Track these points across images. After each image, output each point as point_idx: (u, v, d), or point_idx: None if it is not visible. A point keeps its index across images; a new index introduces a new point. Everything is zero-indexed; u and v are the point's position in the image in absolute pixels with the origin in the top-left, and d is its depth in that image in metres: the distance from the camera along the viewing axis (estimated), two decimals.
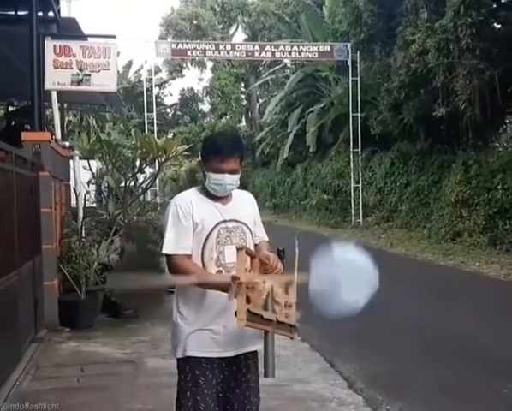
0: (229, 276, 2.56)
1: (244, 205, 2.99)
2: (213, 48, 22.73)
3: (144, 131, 18.42)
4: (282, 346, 5.63)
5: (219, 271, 2.80)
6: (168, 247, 2.82)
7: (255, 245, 3.02)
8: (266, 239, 3.12)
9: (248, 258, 2.70)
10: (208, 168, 2.85)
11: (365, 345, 6.55)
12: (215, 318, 2.78)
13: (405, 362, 5.95)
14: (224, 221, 2.86)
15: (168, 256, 2.83)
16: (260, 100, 42.69)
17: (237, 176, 2.89)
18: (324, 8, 26.68)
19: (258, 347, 2.84)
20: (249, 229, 2.94)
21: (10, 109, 14.79)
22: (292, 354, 5.99)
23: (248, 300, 2.51)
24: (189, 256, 2.81)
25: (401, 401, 4.94)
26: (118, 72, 27.29)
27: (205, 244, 2.83)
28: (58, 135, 8.97)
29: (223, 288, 2.60)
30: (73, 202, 9.10)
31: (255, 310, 2.51)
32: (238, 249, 2.58)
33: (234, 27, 43.76)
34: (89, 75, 8.16)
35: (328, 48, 22.20)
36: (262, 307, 2.61)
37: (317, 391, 5.11)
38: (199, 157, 2.97)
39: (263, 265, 2.75)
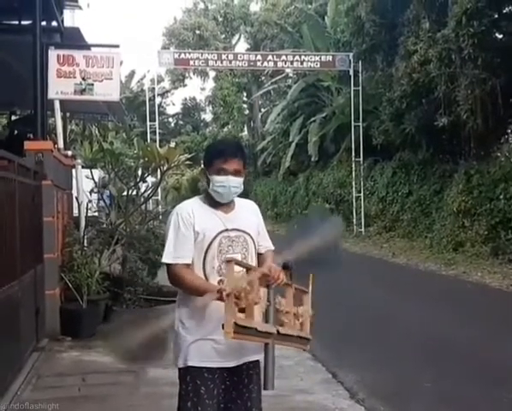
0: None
1: (247, 215, 2.97)
2: (216, 58, 22.82)
3: (146, 140, 18.48)
4: (284, 356, 5.62)
5: (221, 280, 2.79)
6: (167, 257, 2.83)
7: (260, 254, 3.01)
8: (272, 248, 3.09)
9: (243, 269, 2.69)
10: (211, 171, 2.84)
11: (367, 355, 6.53)
12: (217, 327, 2.73)
13: (407, 372, 5.92)
14: (226, 230, 2.85)
15: (167, 265, 2.84)
16: (262, 109, 42.83)
17: (241, 179, 2.89)
18: (326, 18, 26.81)
19: (260, 356, 2.83)
20: (252, 238, 2.93)
21: (13, 118, 14.81)
22: (294, 364, 5.97)
23: (242, 310, 2.51)
24: (188, 265, 2.81)
25: None
26: (121, 81, 27.37)
27: (206, 253, 2.82)
28: (61, 144, 8.98)
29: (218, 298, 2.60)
30: (75, 211, 9.10)
31: (245, 323, 2.48)
32: (227, 261, 2.55)
33: (236, 37, 43.97)
34: (92, 85, 8.20)
35: (330, 58, 22.26)
36: (263, 320, 2.60)
37: (319, 402, 5.09)
38: (202, 165, 2.95)
39: (265, 276, 2.74)
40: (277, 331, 2.67)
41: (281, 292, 2.83)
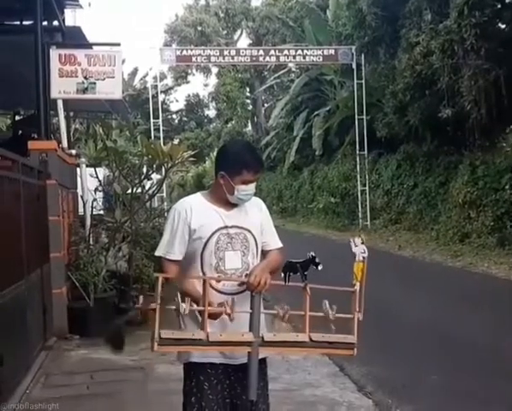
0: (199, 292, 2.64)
1: (249, 211, 2.95)
2: (218, 54, 22.78)
3: (150, 137, 18.49)
4: None
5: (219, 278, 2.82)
6: (159, 250, 2.90)
7: (267, 252, 3.00)
8: (279, 245, 3.06)
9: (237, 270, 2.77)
10: (237, 181, 2.83)
11: (374, 348, 6.51)
12: (219, 325, 2.73)
13: (415, 365, 5.92)
14: (225, 227, 2.85)
15: (159, 259, 2.90)
16: (266, 105, 42.85)
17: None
18: (327, 11, 26.76)
19: (265, 355, 2.85)
20: (253, 235, 2.91)
21: (17, 118, 14.81)
22: (301, 358, 5.98)
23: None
24: (177, 262, 2.85)
25: (411, 404, 4.92)
26: (123, 79, 27.38)
27: (204, 250, 2.83)
28: (65, 143, 9.00)
29: (195, 300, 2.62)
30: (80, 210, 9.13)
31: (170, 335, 2.50)
32: (157, 276, 2.56)
33: (238, 33, 43.97)
34: (94, 83, 8.20)
35: (332, 51, 22.20)
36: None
37: (326, 395, 5.10)
38: (222, 171, 2.87)
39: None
40: (262, 339, 2.64)
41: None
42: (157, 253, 2.91)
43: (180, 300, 2.53)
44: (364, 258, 2.79)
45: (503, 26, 15.42)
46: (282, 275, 2.99)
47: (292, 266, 2.95)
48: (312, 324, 2.72)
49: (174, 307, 2.55)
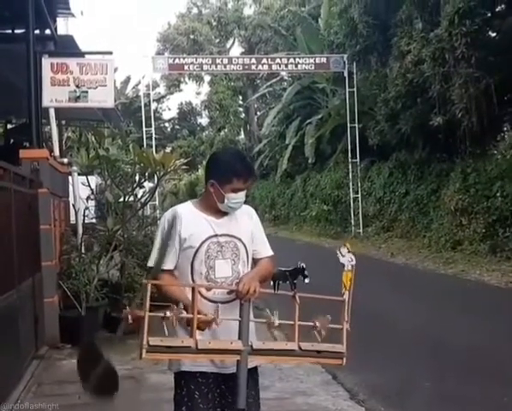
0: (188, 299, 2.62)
1: (240, 219, 2.94)
2: (210, 62, 22.85)
3: (142, 146, 18.46)
4: None
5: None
6: (150, 261, 2.88)
7: (257, 260, 2.98)
8: (270, 254, 3.05)
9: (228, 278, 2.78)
10: (227, 189, 2.82)
11: (366, 356, 6.51)
12: (209, 333, 2.72)
13: (407, 373, 5.92)
14: (215, 235, 2.84)
15: (150, 269, 2.89)
16: (258, 113, 42.92)
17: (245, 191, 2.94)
18: (319, 20, 26.86)
19: (256, 363, 2.84)
20: (243, 243, 2.90)
21: (9, 126, 14.80)
22: (294, 366, 5.97)
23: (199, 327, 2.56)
24: (169, 271, 2.84)
25: None
26: (116, 88, 27.35)
27: (194, 259, 2.83)
28: (57, 152, 8.98)
29: (185, 308, 2.60)
30: (72, 218, 9.10)
31: (159, 343, 2.49)
32: (145, 284, 2.53)
33: (230, 41, 44.06)
34: (86, 92, 8.20)
35: (324, 60, 22.30)
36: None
37: (319, 403, 5.09)
38: (212, 179, 2.87)
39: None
40: (252, 347, 2.63)
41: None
42: (149, 264, 2.89)
43: (177, 307, 2.52)
44: (352, 266, 2.79)
45: (494, 35, 15.54)
46: (272, 283, 2.97)
47: (281, 274, 2.94)
48: (302, 333, 2.71)
49: (162, 315, 2.53)
